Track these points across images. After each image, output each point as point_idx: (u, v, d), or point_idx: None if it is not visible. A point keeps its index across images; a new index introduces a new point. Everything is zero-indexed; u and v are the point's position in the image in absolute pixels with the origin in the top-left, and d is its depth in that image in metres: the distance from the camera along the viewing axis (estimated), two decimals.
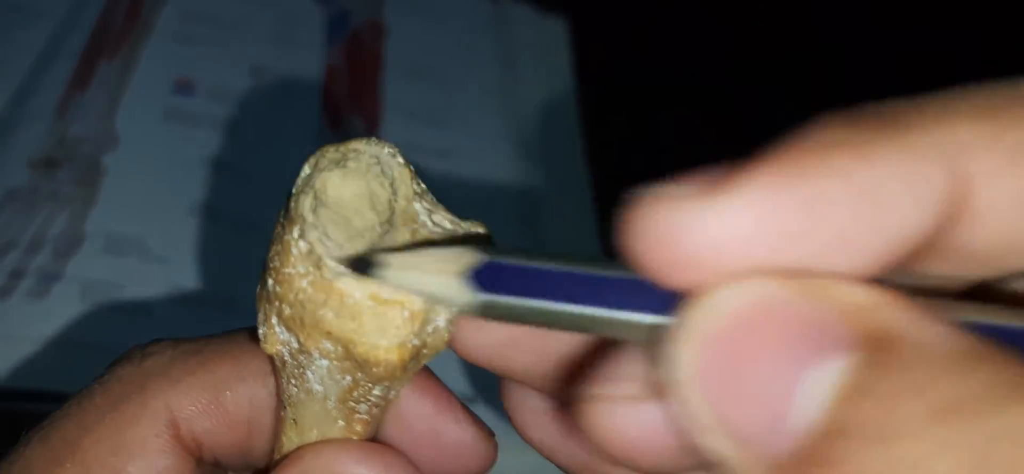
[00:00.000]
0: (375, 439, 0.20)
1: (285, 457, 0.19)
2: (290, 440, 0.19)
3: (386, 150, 0.17)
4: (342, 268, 0.16)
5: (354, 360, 0.17)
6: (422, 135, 0.44)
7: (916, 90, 0.15)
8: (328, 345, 0.17)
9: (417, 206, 0.17)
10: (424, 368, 0.20)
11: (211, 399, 0.19)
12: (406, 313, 0.16)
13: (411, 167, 0.17)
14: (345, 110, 0.45)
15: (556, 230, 0.43)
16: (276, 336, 0.17)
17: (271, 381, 0.20)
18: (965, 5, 0.59)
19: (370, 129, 0.44)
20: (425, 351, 0.17)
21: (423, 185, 0.18)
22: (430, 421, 0.20)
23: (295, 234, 0.16)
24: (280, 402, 0.19)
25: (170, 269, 0.36)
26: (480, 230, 0.17)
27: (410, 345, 0.16)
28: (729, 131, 0.53)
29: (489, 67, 0.49)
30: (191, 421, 0.19)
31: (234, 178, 0.40)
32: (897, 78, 0.57)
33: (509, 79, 0.50)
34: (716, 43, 0.59)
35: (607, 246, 0.44)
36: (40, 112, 0.40)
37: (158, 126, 0.41)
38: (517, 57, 0.51)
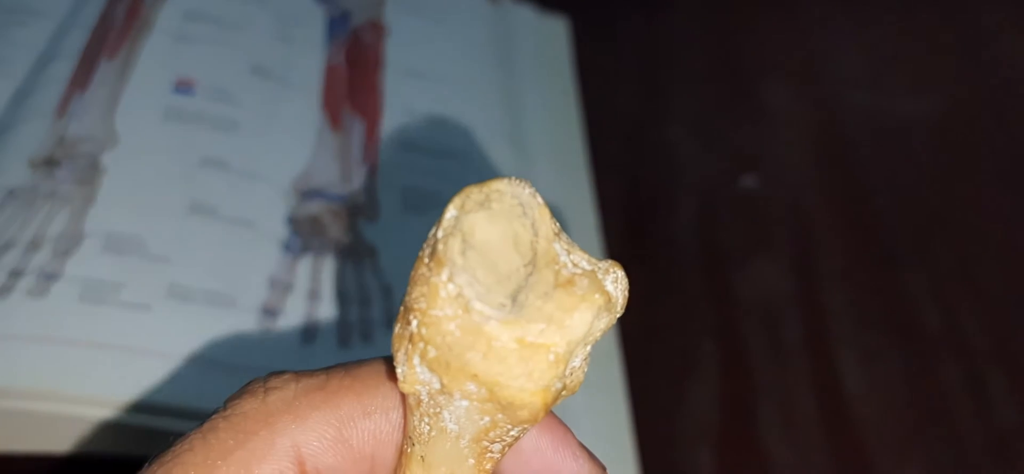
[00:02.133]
0: None
1: None
2: None
3: (527, 191, 0.18)
4: (490, 311, 0.16)
5: (498, 402, 0.17)
6: (422, 134, 0.44)
7: None
8: (472, 387, 0.17)
9: (556, 246, 0.17)
10: None
11: (337, 435, 0.20)
12: (552, 356, 0.17)
13: (548, 207, 0.18)
14: (345, 109, 0.44)
15: None
16: (416, 376, 0.18)
17: (396, 415, 0.20)
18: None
19: (370, 128, 0.44)
20: (564, 392, 0.18)
21: (558, 225, 0.18)
22: (547, 456, 0.21)
23: (444, 277, 0.17)
24: (407, 438, 0.19)
25: (170, 268, 0.36)
26: (618, 268, 0.18)
27: (554, 388, 0.17)
28: (730, 130, 0.54)
29: (489, 67, 0.49)
30: (317, 458, 0.19)
31: (234, 178, 0.40)
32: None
33: (509, 78, 0.49)
34: (717, 42, 0.59)
35: (608, 246, 0.44)
36: (40, 111, 0.40)
37: (158, 125, 0.41)
38: (517, 56, 0.51)
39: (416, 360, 0.17)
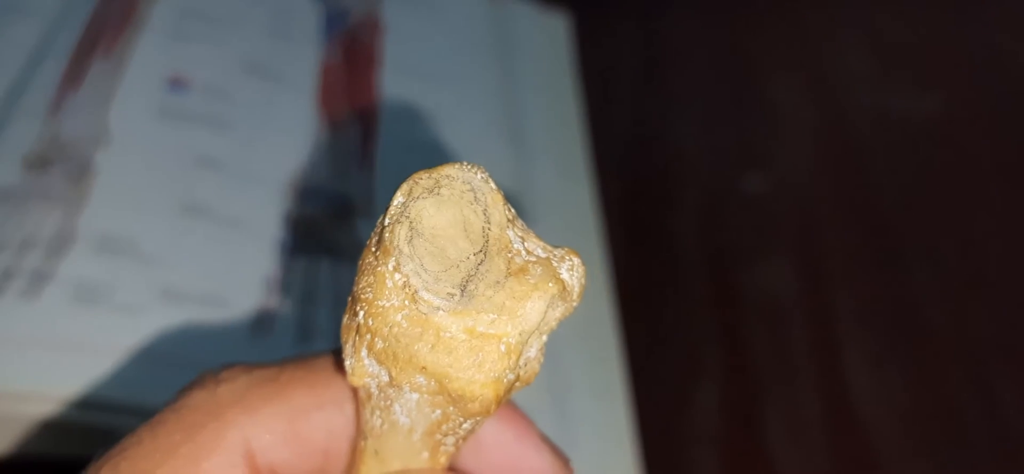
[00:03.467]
0: (453, 468, 0.19)
1: None
2: (370, 470, 0.19)
3: (479, 176, 0.17)
4: (438, 301, 0.16)
5: (447, 395, 0.16)
6: (419, 133, 0.44)
7: None
8: (421, 379, 0.16)
9: (510, 233, 0.17)
10: None
11: (288, 428, 0.19)
12: (503, 347, 0.16)
13: (501, 192, 0.17)
14: (342, 107, 0.44)
15: (557, 230, 0.42)
16: (365, 369, 0.17)
17: (349, 408, 0.19)
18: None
19: (367, 128, 0.44)
20: (517, 384, 0.17)
21: (513, 210, 0.17)
22: (509, 449, 0.20)
23: (390, 266, 0.16)
24: (359, 432, 0.19)
25: (164, 269, 0.36)
26: (573, 256, 0.17)
27: (505, 380, 0.16)
28: (734, 129, 0.53)
29: (488, 64, 0.49)
30: (268, 451, 0.19)
31: (229, 177, 0.39)
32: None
33: (508, 76, 0.49)
34: (720, 39, 0.59)
35: (609, 247, 0.44)
36: (32, 110, 0.40)
37: (152, 124, 0.40)
38: (517, 54, 0.51)
39: (363, 352, 0.17)
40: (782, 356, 0.42)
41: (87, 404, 0.32)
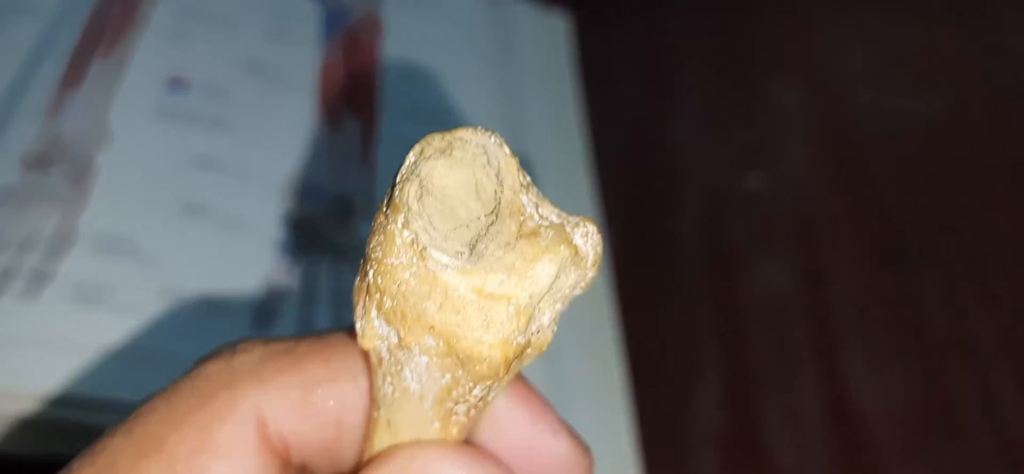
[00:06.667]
0: (470, 442, 0.19)
1: (376, 457, 0.19)
2: (382, 442, 0.19)
3: (492, 140, 0.17)
4: (447, 259, 0.16)
5: (456, 356, 0.16)
6: (419, 133, 0.44)
7: None
8: (429, 340, 0.16)
9: (523, 198, 0.17)
10: (520, 377, 0.20)
11: (301, 399, 0.19)
12: (512, 308, 0.16)
13: (516, 158, 0.17)
14: (342, 107, 0.44)
15: None
16: (374, 330, 0.17)
17: (363, 381, 0.19)
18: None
19: (367, 127, 0.44)
20: (529, 351, 0.17)
21: (528, 177, 0.17)
22: (525, 430, 0.20)
23: (399, 223, 0.16)
24: (373, 402, 0.19)
25: (163, 269, 0.36)
26: (589, 223, 0.17)
27: (515, 342, 0.16)
28: (735, 129, 0.53)
29: (488, 65, 0.49)
30: (280, 421, 0.19)
31: (229, 177, 0.39)
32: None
33: (508, 77, 0.49)
34: (721, 38, 0.59)
35: (609, 247, 0.44)
36: (32, 110, 0.40)
37: (152, 124, 0.40)
38: (517, 54, 0.51)
39: (373, 312, 0.17)
40: (782, 356, 0.42)
41: (87, 404, 0.32)
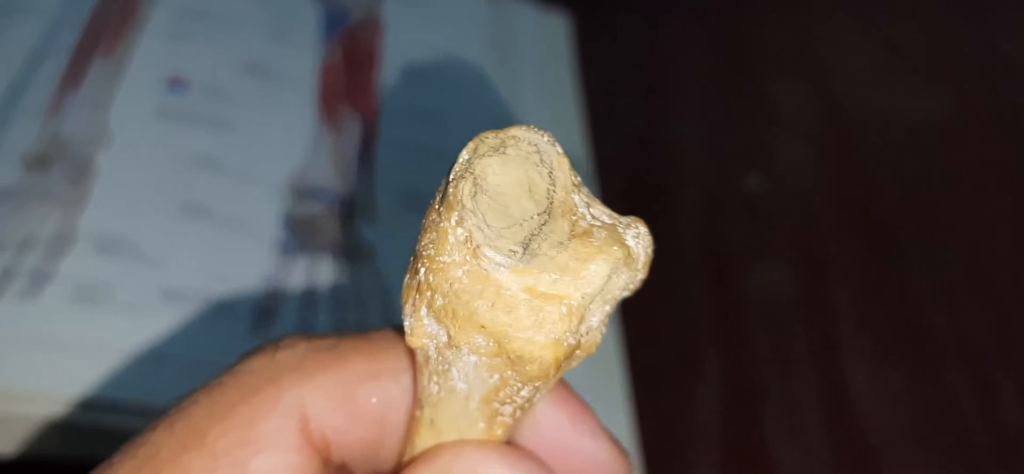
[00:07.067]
0: (511, 443, 0.19)
1: (420, 456, 0.19)
2: (425, 441, 0.19)
3: (545, 138, 0.17)
4: (500, 258, 0.15)
5: (506, 356, 0.16)
6: (420, 133, 0.44)
7: None
8: (480, 339, 0.16)
9: (575, 197, 0.17)
10: (561, 379, 0.19)
11: (344, 395, 0.19)
12: (564, 309, 0.16)
13: (568, 157, 0.17)
14: (342, 107, 0.44)
15: None
16: (424, 328, 0.17)
17: (406, 379, 0.19)
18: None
19: (367, 127, 0.44)
20: (578, 352, 0.17)
21: (579, 177, 0.17)
22: (566, 433, 0.20)
23: (453, 221, 0.16)
24: (416, 401, 0.19)
25: (164, 269, 0.36)
26: (641, 224, 0.17)
27: (566, 343, 0.16)
28: (735, 129, 0.53)
29: (488, 64, 0.49)
30: (322, 417, 0.19)
31: (229, 177, 0.39)
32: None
33: (508, 77, 0.49)
34: (721, 38, 0.59)
35: None
36: (32, 110, 0.40)
37: (152, 124, 0.40)
38: (517, 54, 0.51)
39: (423, 311, 0.17)
40: (782, 356, 0.42)
41: (87, 404, 0.32)
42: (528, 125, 0.17)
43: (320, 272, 0.38)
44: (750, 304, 0.43)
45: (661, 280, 0.44)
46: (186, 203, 0.38)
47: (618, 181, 0.47)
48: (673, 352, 0.41)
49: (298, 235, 0.39)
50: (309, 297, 0.37)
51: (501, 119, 0.46)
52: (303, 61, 0.45)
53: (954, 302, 0.44)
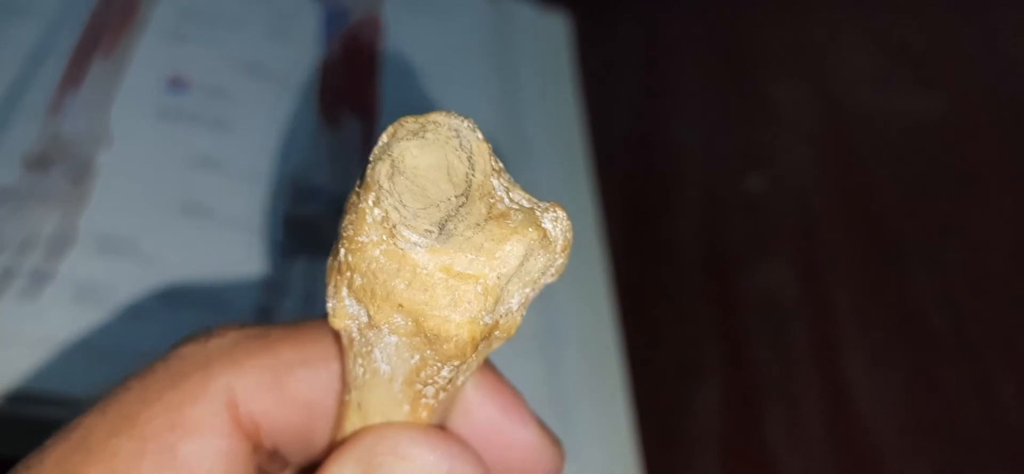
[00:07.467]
0: (444, 427, 0.20)
1: (346, 439, 0.19)
2: (353, 425, 0.19)
3: (465, 123, 0.17)
4: (416, 237, 0.16)
5: (424, 335, 0.16)
6: None
7: None
8: (398, 319, 0.16)
9: (494, 182, 0.17)
10: (492, 368, 0.20)
11: (272, 381, 0.19)
12: (479, 288, 0.16)
13: (489, 143, 0.17)
14: (342, 107, 0.44)
15: None
16: (345, 309, 0.17)
17: (335, 366, 0.20)
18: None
19: (367, 127, 0.44)
20: (497, 333, 0.17)
21: (500, 163, 0.17)
22: (496, 420, 0.20)
23: (370, 201, 0.16)
24: (344, 386, 0.19)
25: (164, 269, 0.36)
26: (559, 209, 0.17)
27: (482, 322, 0.16)
28: (735, 129, 0.53)
29: (488, 64, 0.49)
30: (251, 403, 0.19)
31: (229, 177, 0.39)
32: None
33: (509, 77, 0.49)
34: (721, 38, 0.59)
35: (609, 247, 0.44)
36: (32, 110, 0.40)
37: (152, 124, 0.40)
38: (517, 54, 0.51)
39: (344, 291, 0.17)
40: (782, 356, 0.42)
41: (86, 405, 0.32)
42: (449, 111, 0.17)
43: (319, 271, 0.38)
44: (750, 304, 0.43)
45: (661, 280, 0.44)
46: (186, 203, 0.38)
47: (618, 181, 0.47)
48: (673, 352, 0.41)
49: (298, 234, 0.39)
50: (308, 296, 0.37)
51: (501, 119, 0.46)
52: (303, 61, 0.45)
53: (954, 302, 0.44)
